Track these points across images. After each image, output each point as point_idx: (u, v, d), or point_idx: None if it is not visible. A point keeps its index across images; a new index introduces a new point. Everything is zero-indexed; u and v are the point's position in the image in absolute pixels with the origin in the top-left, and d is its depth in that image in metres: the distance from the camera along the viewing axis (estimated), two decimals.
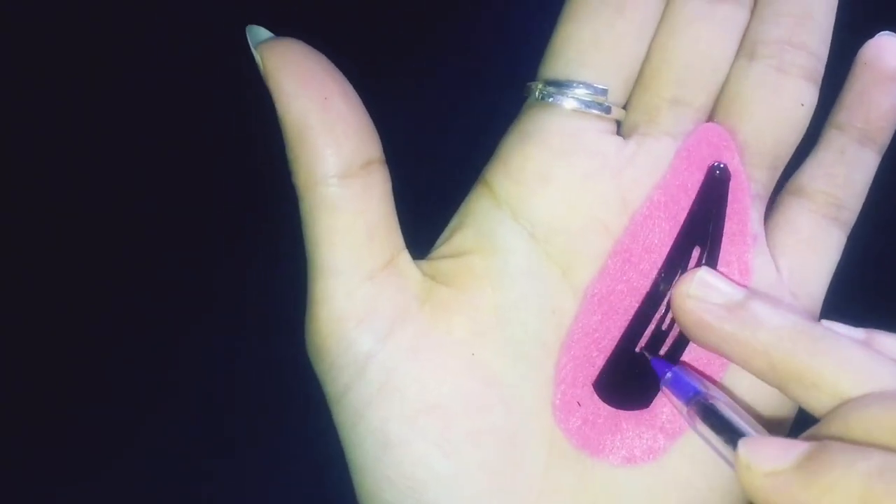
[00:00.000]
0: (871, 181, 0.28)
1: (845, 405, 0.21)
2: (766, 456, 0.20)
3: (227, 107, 0.69)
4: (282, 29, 0.26)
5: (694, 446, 0.26)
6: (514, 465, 0.25)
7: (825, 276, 0.27)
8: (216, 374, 0.68)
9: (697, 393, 0.24)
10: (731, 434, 0.22)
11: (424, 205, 0.29)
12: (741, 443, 0.21)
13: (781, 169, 0.27)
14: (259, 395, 0.67)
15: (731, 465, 0.22)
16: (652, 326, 0.26)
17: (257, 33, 0.25)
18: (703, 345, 0.25)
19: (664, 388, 0.25)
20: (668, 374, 0.25)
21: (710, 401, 0.23)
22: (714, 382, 0.26)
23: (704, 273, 0.25)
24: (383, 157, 0.25)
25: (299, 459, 0.64)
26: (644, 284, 0.25)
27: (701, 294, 0.25)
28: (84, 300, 0.67)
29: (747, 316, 0.24)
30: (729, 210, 0.26)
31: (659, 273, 0.25)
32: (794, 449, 0.20)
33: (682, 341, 0.26)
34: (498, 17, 0.59)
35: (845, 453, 0.19)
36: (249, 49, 0.25)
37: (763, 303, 0.24)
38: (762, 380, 0.23)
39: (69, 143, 0.69)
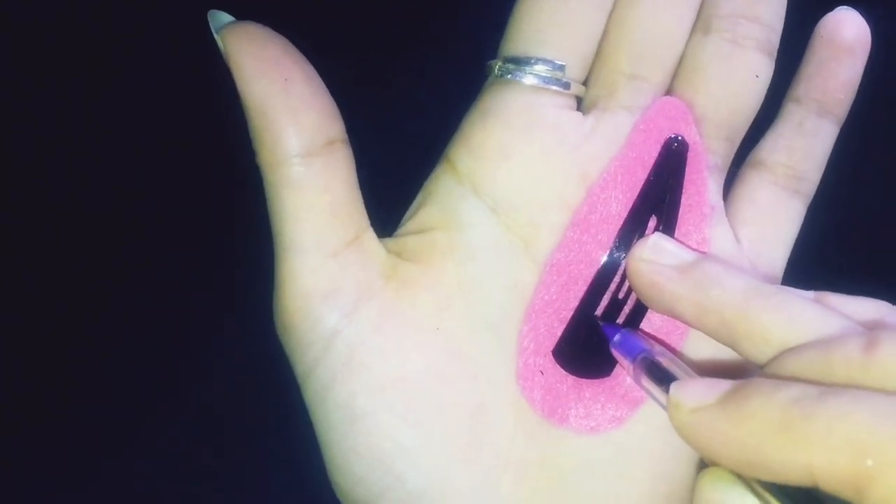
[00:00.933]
0: (829, 152, 0.28)
1: (783, 352, 0.22)
2: (693, 393, 0.21)
3: (227, 107, 0.69)
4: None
5: (657, 415, 0.26)
6: (481, 436, 0.26)
7: (785, 246, 0.28)
8: (216, 374, 0.69)
9: (643, 350, 0.24)
10: (669, 384, 0.22)
11: (397, 185, 0.30)
12: (672, 385, 0.22)
13: (738, 141, 0.28)
14: (260, 395, 0.68)
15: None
16: (609, 295, 0.26)
17: (219, 18, 0.26)
18: (658, 307, 0.25)
19: (613, 350, 0.26)
20: (617, 336, 0.25)
21: (655, 356, 0.24)
22: (674, 352, 0.26)
23: (657, 237, 0.26)
24: (346, 137, 0.26)
25: (300, 459, 0.64)
26: (602, 254, 0.26)
27: (654, 257, 0.25)
28: (84, 300, 0.68)
29: (699, 276, 0.24)
30: (686, 181, 0.26)
31: (614, 242, 0.26)
32: (718, 386, 0.21)
33: (639, 309, 0.26)
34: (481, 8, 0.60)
35: (766, 385, 0.20)
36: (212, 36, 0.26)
37: (714, 263, 0.25)
38: (715, 338, 0.24)
39: (69, 143, 0.70)
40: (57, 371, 0.67)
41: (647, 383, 0.24)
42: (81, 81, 0.70)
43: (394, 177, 0.31)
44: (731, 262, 0.27)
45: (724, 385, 0.21)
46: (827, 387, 0.19)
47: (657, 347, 0.25)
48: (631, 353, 0.25)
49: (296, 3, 0.59)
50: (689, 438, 0.21)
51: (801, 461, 0.18)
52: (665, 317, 0.26)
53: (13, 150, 0.67)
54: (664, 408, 0.23)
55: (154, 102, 0.71)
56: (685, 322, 0.25)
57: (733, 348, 0.23)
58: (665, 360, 0.24)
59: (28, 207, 0.67)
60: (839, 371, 0.20)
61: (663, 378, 0.23)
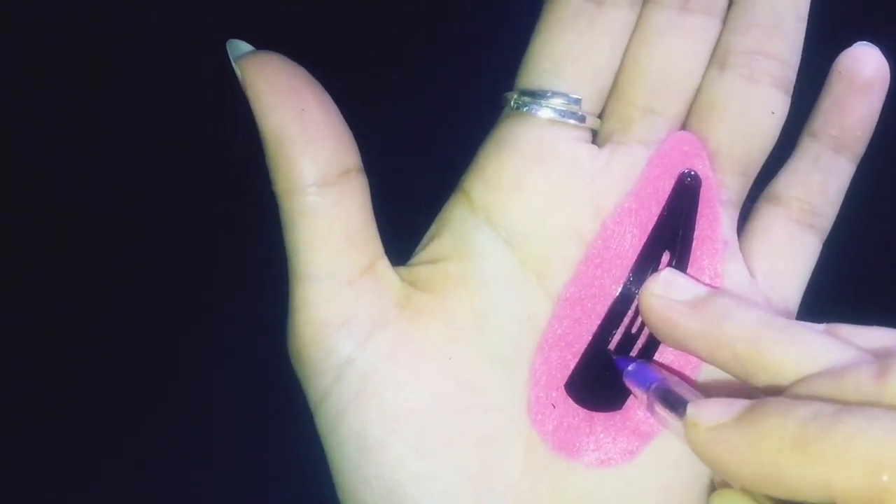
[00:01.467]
0: (845, 189, 0.29)
1: (795, 382, 0.22)
2: (710, 412, 0.21)
3: (228, 107, 0.69)
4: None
5: (668, 448, 0.27)
6: (492, 467, 0.26)
7: (800, 281, 0.28)
8: (216, 375, 0.69)
9: (657, 380, 0.25)
10: (684, 410, 0.23)
11: (408, 214, 0.30)
12: (689, 405, 0.22)
13: (753, 176, 0.28)
14: (260, 395, 0.68)
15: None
16: (622, 329, 0.26)
17: (237, 47, 0.26)
18: (670, 342, 0.26)
19: (627, 380, 0.26)
20: (631, 367, 0.26)
21: (669, 385, 0.24)
22: (688, 382, 0.27)
23: (669, 272, 0.26)
24: (361, 166, 0.26)
25: (301, 459, 0.65)
26: (615, 289, 0.26)
27: (666, 292, 0.26)
28: (84, 300, 0.68)
29: (711, 311, 0.25)
30: (699, 216, 0.27)
31: (628, 277, 0.26)
32: (735, 405, 0.21)
33: (652, 343, 0.27)
34: (489, 28, 0.60)
35: (783, 404, 0.20)
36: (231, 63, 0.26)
37: (726, 298, 0.25)
38: (728, 372, 0.25)
39: (69, 143, 0.70)
40: (57, 371, 0.67)
41: (662, 411, 0.24)
42: (81, 81, 0.70)
43: (405, 204, 0.31)
44: (743, 297, 0.27)
45: (741, 404, 0.21)
46: (843, 405, 0.20)
47: (671, 377, 0.25)
48: (644, 383, 0.25)
49: (301, 24, 0.59)
50: (705, 457, 0.22)
51: (818, 478, 0.19)
52: (678, 351, 0.27)
53: (13, 151, 0.67)
54: (679, 436, 0.23)
55: (154, 102, 0.71)
56: (698, 357, 0.25)
57: (747, 381, 0.24)
58: (679, 388, 0.24)
59: (28, 207, 0.67)
60: (851, 398, 0.20)
61: (677, 404, 0.23)
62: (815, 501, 0.19)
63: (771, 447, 0.20)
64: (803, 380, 0.22)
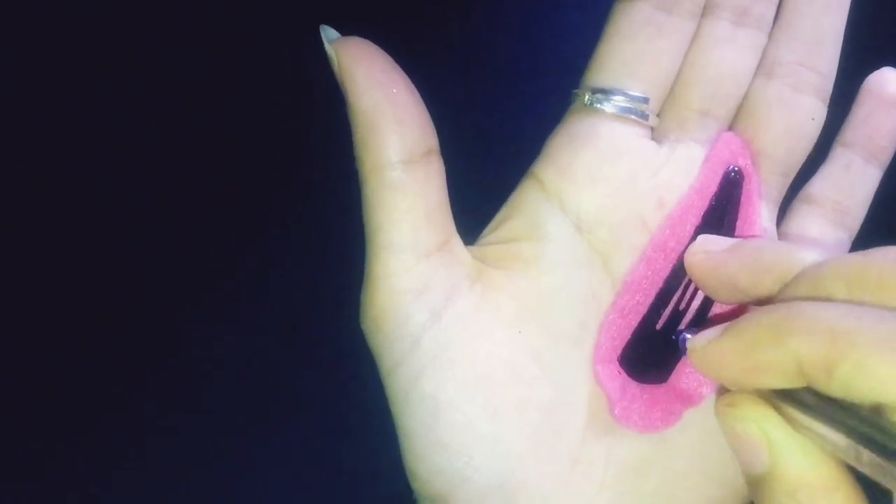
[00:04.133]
0: (872, 194, 0.32)
1: (830, 259, 0.25)
2: (703, 334, 0.25)
3: (228, 107, 0.71)
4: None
5: (710, 420, 0.29)
6: (554, 434, 0.28)
7: None
8: (216, 375, 0.69)
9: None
10: None
11: (466, 198, 0.32)
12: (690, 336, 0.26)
13: (792, 176, 0.31)
14: (261, 395, 0.69)
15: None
16: (671, 307, 0.29)
17: (330, 32, 0.29)
18: (718, 288, 0.28)
19: (681, 346, 0.28)
20: (684, 335, 0.28)
21: None
22: None
23: (703, 236, 0.29)
24: (439, 149, 0.29)
25: (302, 459, 0.66)
26: (668, 272, 0.29)
27: (704, 247, 0.29)
28: (83, 300, 0.69)
29: (747, 247, 0.28)
30: (742, 206, 0.30)
31: (678, 260, 0.29)
32: (725, 325, 0.25)
33: (698, 319, 0.29)
34: (564, 26, 0.62)
35: (759, 309, 0.24)
36: (323, 46, 0.28)
37: (756, 238, 0.29)
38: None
39: (69, 143, 0.70)
40: (58, 371, 0.67)
41: None
42: (81, 81, 0.70)
43: (465, 189, 0.33)
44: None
45: (730, 323, 0.25)
46: (812, 298, 0.23)
47: None
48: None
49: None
50: (704, 368, 0.25)
51: (789, 355, 0.22)
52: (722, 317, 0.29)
53: (13, 151, 0.68)
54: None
55: (154, 102, 0.72)
56: (746, 295, 0.27)
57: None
58: None
59: (28, 207, 0.68)
60: (871, 277, 0.23)
61: None
62: (791, 382, 0.23)
63: (750, 336, 0.23)
64: (828, 265, 0.25)
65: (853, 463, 0.22)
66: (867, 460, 0.22)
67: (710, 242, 0.29)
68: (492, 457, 0.28)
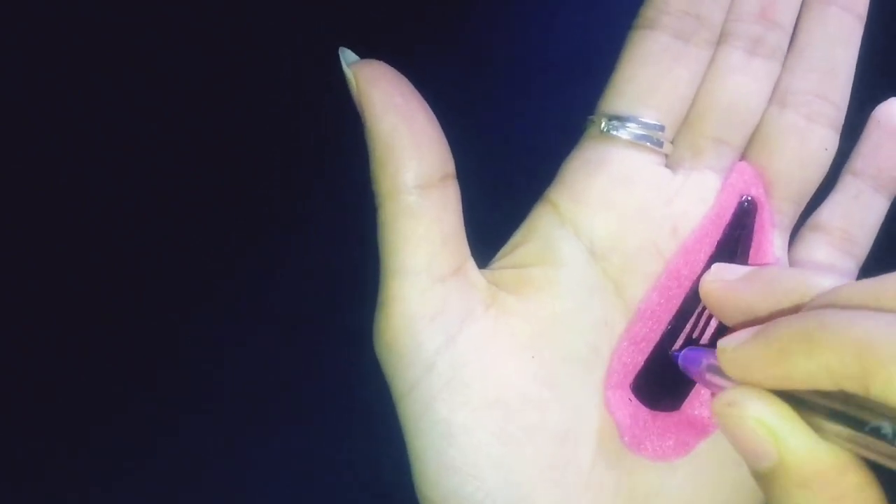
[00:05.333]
0: (880, 224, 0.33)
1: (841, 286, 0.25)
2: (734, 337, 0.25)
3: (228, 107, 0.71)
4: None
5: (722, 449, 0.30)
6: (565, 460, 0.29)
7: None
8: (216, 375, 0.70)
9: (706, 354, 0.28)
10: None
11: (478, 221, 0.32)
12: (719, 340, 0.26)
13: (804, 204, 0.32)
14: (261, 395, 0.69)
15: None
16: (685, 335, 0.30)
17: (348, 55, 0.29)
18: (735, 320, 0.29)
19: (681, 363, 0.29)
20: (683, 352, 0.29)
21: (710, 359, 0.27)
22: None
23: (718, 264, 0.30)
24: (455, 174, 0.29)
25: (303, 459, 0.66)
26: (682, 300, 0.30)
27: (719, 276, 0.29)
28: (83, 300, 0.69)
29: (764, 276, 0.28)
30: (755, 235, 0.30)
31: (692, 287, 0.29)
32: (755, 328, 0.25)
33: (712, 345, 0.30)
34: (577, 52, 0.63)
35: (792, 315, 0.24)
36: (341, 69, 0.29)
37: (771, 267, 0.29)
38: None
39: (69, 143, 0.70)
40: (58, 372, 0.68)
41: (714, 379, 0.27)
42: (81, 81, 0.70)
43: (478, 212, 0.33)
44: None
45: (760, 326, 0.25)
46: (839, 308, 0.23)
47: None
48: (696, 362, 0.28)
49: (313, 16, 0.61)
50: (732, 371, 0.25)
51: (820, 364, 0.22)
52: None
53: (13, 151, 0.68)
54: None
55: (154, 102, 0.72)
56: (759, 321, 0.28)
57: None
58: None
59: (28, 207, 0.68)
60: (889, 300, 0.23)
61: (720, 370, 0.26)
62: (824, 387, 0.22)
63: (781, 344, 0.23)
64: (845, 289, 0.25)
65: (862, 452, 0.23)
66: (882, 449, 0.22)
67: (726, 271, 0.29)
68: (503, 482, 0.28)
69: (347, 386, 0.61)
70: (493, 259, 0.31)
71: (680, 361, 0.29)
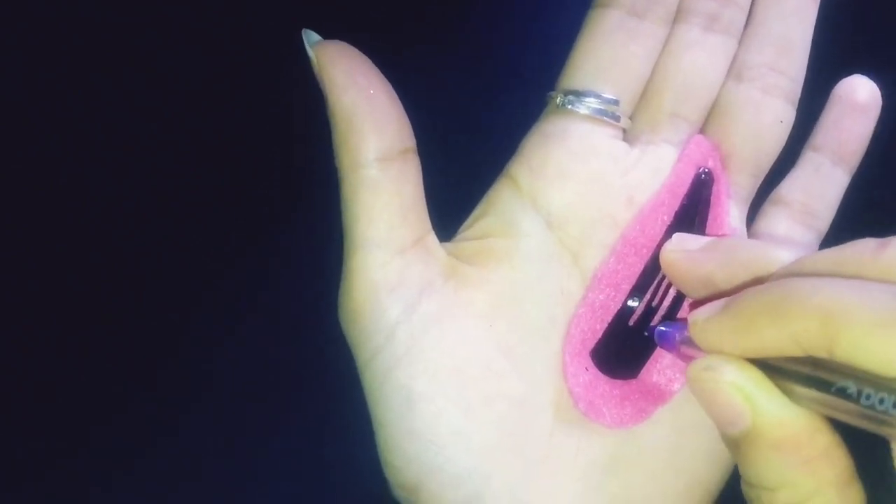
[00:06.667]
0: (840, 197, 0.34)
1: (801, 258, 0.26)
2: (704, 309, 0.26)
3: (228, 107, 0.73)
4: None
5: (680, 416, 0.31)
6: (524, 427, 0.30)
7: None
8: (216, 375, 0.71)
9: (681, 328, 0.29)
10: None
11: (446, 197, 0.34)
12: (690, 314, 0.27)
13: (761, 177, 0.33)
14: (261, 395, 0.70)
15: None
16: (644, 303, 0.31)
17: (311, 36, 0.31)
18: (697, 289, 0.29)
19: (657, 340, 0.30)
20: (659, 328, 0.30)
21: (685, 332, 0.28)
22: None
23: (678, 234, 0.31)
24: (416, 148, 0.30)
25: (303, 459, 0.67)
26: (641, 269, 0.31)
27: (680, 245, 0.30)
28: (83, 300, 0.70)
29: (723, 246, 0.29)
30: (712, 207, 0.31)
31: (651, 257, 0.31)
32: (724, 300, 0.26)
33: (670, 315, 0.31)
34: (535, 27, 0.64)
35: (758, 286, 0.25)
36: (304, 49, 0.30)
37: (731, 238, 0.30)
38: None
39: (69, 143, 0.72)
40: (58, 372, 0.69)
41: (689, 351, 0.28)
42: (82, 81, 0.72)
43: (443, 188, 0.35)
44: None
45: (728, 298, 0.26)
46: (803, 276, 0.25)
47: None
48: (671, 337, 0.29)
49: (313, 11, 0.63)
50: (704, 344, 0.26)
51: (786, 331, 0.23)
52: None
53: (13, 151, 0.69)
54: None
55: (153, 103, 0.74)
56: (718, 291, 0.29)
57: None
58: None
59: (28, 207, 0.70)
60: (849, 267, 0.24)
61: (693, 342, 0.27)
62: (790, 353, 0.24)
63: (748, 316, 0.25)
64: (807, 259, 0.26)
65: (829, 412, 0.24)
66: (848, 408, 0.23)
67: (686, 241, 0.30)
68: (462, 448, 0.29)
69: (348, 385, 0.62)
70: (457, 232, 0.32)
71: (655, 337, 0.30)
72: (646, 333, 0.31)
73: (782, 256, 0.27)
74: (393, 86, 0.30)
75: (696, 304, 0.29)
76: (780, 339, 0.24)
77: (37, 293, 0.71)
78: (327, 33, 0.31)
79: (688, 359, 0.28)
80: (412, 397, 0.29)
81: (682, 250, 0.30)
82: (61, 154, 0.73)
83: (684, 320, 0.29)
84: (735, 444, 0.26)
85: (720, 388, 0.25)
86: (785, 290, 0.24)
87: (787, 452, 0.25)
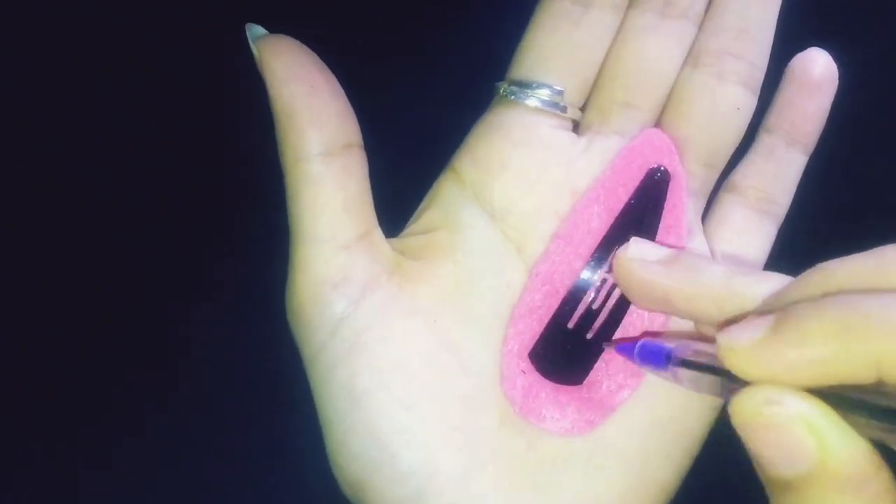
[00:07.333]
0: (798, 179, 0.33)
1: (823, 267, 0.24)
2: (744, 333, 0.23)
3: (228, 107, 0.73)
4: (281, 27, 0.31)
5: (631, 419, 0.30)
6: (469, 424, 0.29)
7: (757, 263, 0.32)
8: (217, 374, 0.71)
9: (668, 350, 0.27)
10: (710, 366, 0.25)
11: (403, 193, 0.33)
12: (718, 336, 0.23)
13: (720, 167, 0.32)
14: (262, 395, 0.70)
15: (722, 394, 0.25)
16: (584, 305, 0.30)
17: (255, 30, 0.30)
18: (648, 301, 0.28)
19: (640, 363, 0.28)
20: (637, 347, 0.28)
21: (684, 349, 0.26)
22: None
23: (636, 240, 0.29)
24: (361, 143, 0.30)
25: (303, 458, 0.67)
26: (582, 267, 0.30)
27: (638, 254, 0.29)
28: (83, 300, 0.71)
29: (684, 264, 0.28)
30: (667, 206, 0.30)
31: (591, 255, 0.30)
32: (763, 320, 0.23)
33: (614, 318, 0.30)
34: (489, 16, 0.64)
35: (811, 304, 0.22)
36: (249, 45, 0.30)
37: (692, 253, 0.29)
38: (706, 320, 0.27)
39: (69, 143, 0.72)
40: (57, 371, 0.69)
41: (689, 375, 0.26)
42: (82, 81, 0.72)
43: (401, 184, 0.35)
44: (705, 256, 0.30)
45: (766, 319, 0.23)
46: (865, 292, 0.22)
47: (676, 341, 0.27)
48: (659, 357, 0.27)
49: (302, 12, 0.63)
50: (754, 374, 0.23)
51: (867, 357, 0.21)
52: (640, 321, 0.30)
53: (13, 151, 0.70)
54: (713, 392, 0.25)
55: (154, 102, 0.74)
56: (675, 311, 0.28)
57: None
58: (693, 347, 0.26)
59: (28, 208, 0.70)
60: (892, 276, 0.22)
61: (702, 365, 0.25)
62: (863, 381, 0.21)
63: (816, 342, 0.22)
64: (836, 271, 0.24)
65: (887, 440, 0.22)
66: None
67: (645, 250, 0.29)
68: (406, 446, 0.29)
69: None
70: (405, 227, 0.32)
71: (636, 357, 0.28)
72: (605, 345, 0.30)
73: (754, 290, 0.25)
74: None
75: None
76: (855, 365, 0.21)
77: (37, 293, 0.71)
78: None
79: (688, 384, 0.26)
80: (355, 395, 0.29)
81: (639, 260, 0.28)
82: (61, 154, 0.73)
83: (670, 336, 0.27)
84: (786, 485, 0.23)
85: (783, 423, 0.22)
86: (856, 307, 0.21)
87: (852, 492, 0.22)
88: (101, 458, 0.70)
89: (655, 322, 0.30)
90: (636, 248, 0.29)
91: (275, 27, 0.32)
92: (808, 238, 0.37)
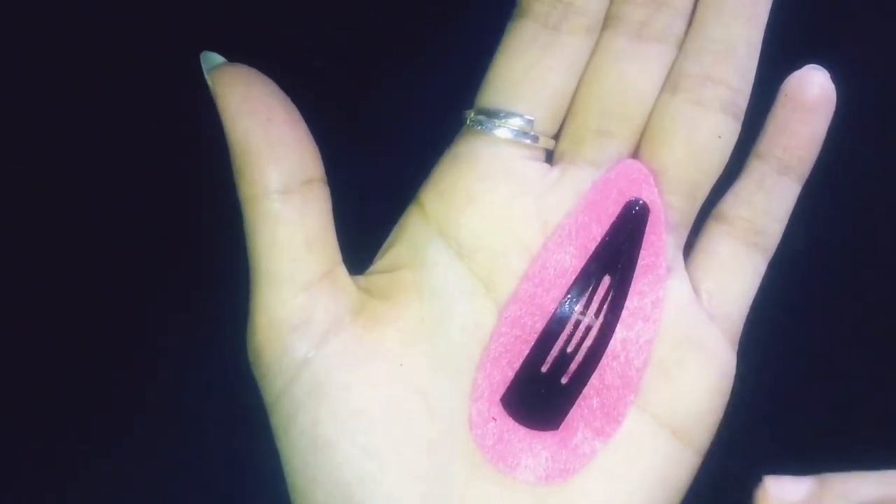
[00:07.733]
0: (790, 209, 0.31)
1: None
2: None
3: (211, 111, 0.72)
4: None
5: (611, 465, 0.29)
6: (437, 473, 0.28)
7: (744, 299, 0.30)
8: (217, 375, 0.70)
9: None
10: None
11: (371, 227, 0.32)
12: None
13: (701, 198, 0.30)
14: (256, 396, 0.70)
15: None
16: (558, 348, 0.29)
17: (211, 59, 0.29)
18: None
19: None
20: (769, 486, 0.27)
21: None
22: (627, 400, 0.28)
23: (772, 478, 0.28)
24: (324, 177, 0.29)
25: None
26: (555, 309, 0.29)
27: (777, 492, 0.27)
28: (83, 300, 0.70)
29: (832, 494, 0.26)
30: (645, 242, 0.29)
31: (564, 297, 0.28)
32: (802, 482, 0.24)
33: (588, 363, 0.29)
34: (456, 44, 0.62)
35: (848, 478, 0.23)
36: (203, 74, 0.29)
37: (837, 481, 0.27)
38: None
39: (69, 143, 0.72)
40: (54, 371, 0.69)
41: None
42: (82, 81, 0.72)
43: (369, 220, 0.33)
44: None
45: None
46: None
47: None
48: None
49: (276, 39, 0.62)
50: None
51: None
52: (617, 373, 0.28)
53: (12, 151, 0.69)
54: None
55: (154, 102, 0.73)
56: None
57: None
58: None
59: (28, 208, 0.70)
60: None
61: None
62: None
63: None
64: None
65: None
66: None
67: (786, 490, 0.27)
68: (371, 496, 0.28)
69: None
70: (372, 264, 0.31)
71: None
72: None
73: None
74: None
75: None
76: None
77: (37, 293, 0.71)
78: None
79: None
80: (317, 444, 0.28)
81: (780, 501, 0.26)
82: (61, 154, 0.73)
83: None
84: None
85: None
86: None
87: None
88: (102, 459, 0.70)
89: (633, 364, 0.28)
90: (774, 488, 0.27)
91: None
92: (801, 272, 0.35)
